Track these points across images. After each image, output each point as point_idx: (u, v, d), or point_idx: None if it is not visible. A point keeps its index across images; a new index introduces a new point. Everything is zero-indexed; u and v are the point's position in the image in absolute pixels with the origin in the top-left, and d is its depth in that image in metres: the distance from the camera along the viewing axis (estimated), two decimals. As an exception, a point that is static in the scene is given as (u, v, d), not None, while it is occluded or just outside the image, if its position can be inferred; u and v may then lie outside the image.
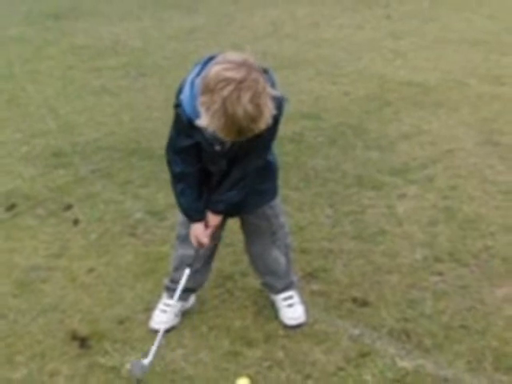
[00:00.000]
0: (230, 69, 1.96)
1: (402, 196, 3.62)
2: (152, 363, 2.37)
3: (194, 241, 2.48)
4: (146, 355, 2.38)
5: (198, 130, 2.17)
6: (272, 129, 2.18)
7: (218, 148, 2.25)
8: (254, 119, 1.98)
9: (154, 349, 2.38)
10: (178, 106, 2.23)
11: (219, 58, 2.04)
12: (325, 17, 7.35)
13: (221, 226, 2.61)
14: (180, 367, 2.46)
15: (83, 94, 5.36)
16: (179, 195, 2.43)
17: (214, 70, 1.98)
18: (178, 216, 2.67)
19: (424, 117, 4.63)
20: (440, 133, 4.37)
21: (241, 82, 1.94)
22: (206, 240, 2.46)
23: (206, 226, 2.45)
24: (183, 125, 2.24)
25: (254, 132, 2.03)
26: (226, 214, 2.50)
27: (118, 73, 5.80)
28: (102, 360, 2.50)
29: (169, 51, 6.23)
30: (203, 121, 2.02)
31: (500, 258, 3.03)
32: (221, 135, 2.05)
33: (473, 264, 3.00)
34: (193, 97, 2.14)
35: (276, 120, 2.15)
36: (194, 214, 2.45)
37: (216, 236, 2.62)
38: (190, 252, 2.59)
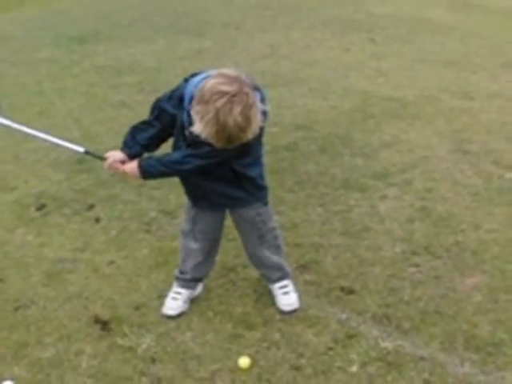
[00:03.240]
0: (224, 83, 1.95)
1: (384, 197, 3.62)
2: None
3: (107, 154, 2.42)
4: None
5: (183, 108, 2.16)
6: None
7: (187, 133, 2.22)
8: (242, 129, 1.97)
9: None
10: (185, 80, 2.23)
11: (214, 73, 2.03)
12: (316, 40, 7.35)
13: (220, 224, 2.60)
14: (189, 348, 2.46)
15: (104, 108, 5.37)
16: (134, 126, 2.39)
17: (210, 83, 1.97)
18: (182, 214, 2.67)
19: (403, 128, 4.63)
20: (417, 142, 4.37)
21: (233, 95, 1.93)
22: (105, 166, 2.43)
23: (123, 163, 2.38)
24: (176, 95, 2.24)
25: (242, 140, 2.02)
26: (145, 177, 2.37)
27: (134, 89, 5.80)
28: (120, 341, 2.51)
29: (179, 70, 6.22)
30: (197, 128, 2.01)
31: (470, 252, 3.03)
32: (212, 141, 2.03)
33: (445, 257, 3.01)
34: (197, 86, 2.11)
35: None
36: (125, 142, 2.39)
37: (217, 233, 2.63)
38: (192, 246, 2.59)
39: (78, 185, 3.94)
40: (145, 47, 7.34)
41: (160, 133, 2.38)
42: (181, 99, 2.22)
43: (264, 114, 2.10)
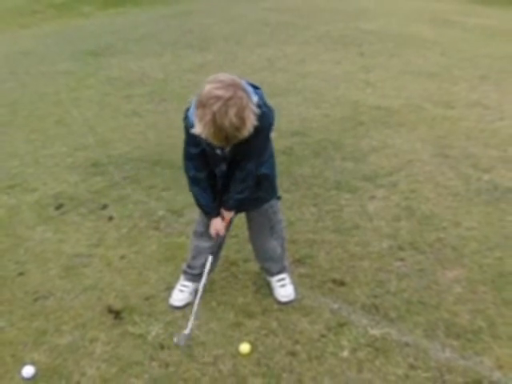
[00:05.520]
0: (219, 88, 1.95)
1: (372, 197, 3.62)
2: (191, 333, 2.37)
3: (213, 232, 2.45)
4: (183, 328, 2.40)
5: (200, 139, 2.14)
6: (260, 137, 2.15)
7: (218, 152, 2.22)
8: (238, 129, 1.97)
9: (191, 320, 2.37)
10: (184, 118, 2.23)
11: (211, 78, 2.01)
12: (310, 54, 7.35)
13: (229, 223, 2.60)
14: (194, 335, 2.46)
15: (117, 116, 5.36)
16: (197, 197, 2.41)
17: (207, 88, 1.97)
18: (195, 216, 2.66)
19: (389, 134, 4.63)
20: (402, 147, 4.37)
21: (228, 99, 1.92)
22: (223, 231, 2.45)
23: (222, 219, 2.43)
24: (189, 134, 2.21)
25: (238, 138, 2.01)
26: (236, 210, 2.46)
27: (144, 99, 5.79)
28: (132, 329, 2.51)
29: (185, 81, 6.22)
30: (197, 129, 2.01)
31: (450, 247, 3.04)
32: (211, 141, 2.03)
33: (428, 252, 3.01)
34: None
35: (261, 129, 2.11)
36: (211, 212, 2.43)
37: (228, 229, 2.62)
38: (205, 244, 2.58)
39: (93, 186, 3.94)
40: (153, 61, 7.34)
41: (208, 176, 2.38)
42: (194, 134, 2.18)
43: (263, 108, 2.10)
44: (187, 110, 2.22)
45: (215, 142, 2.05)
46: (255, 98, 2.08)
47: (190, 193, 2.45)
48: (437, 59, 6.94)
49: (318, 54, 7.31)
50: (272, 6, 10.61)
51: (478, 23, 8.90)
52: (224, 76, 2.01)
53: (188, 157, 2.36)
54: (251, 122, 2.01)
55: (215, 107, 1.92)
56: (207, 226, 2.55)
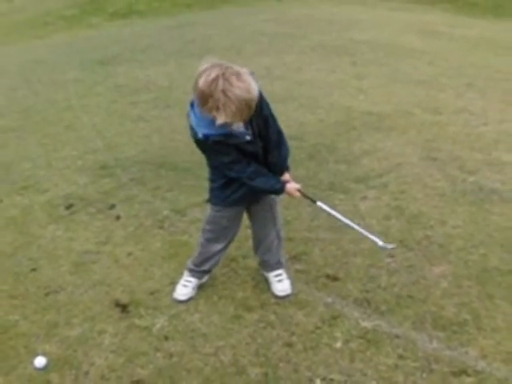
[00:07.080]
0: (209, 74, 1.96)
1: (364, 198, 3.63)
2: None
3: (296, 194, 2.39)
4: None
5: (227, 137, 2.11)
6: (264, 103, 2.19)
7: (248, 138, 2.20)
8: (248, 91, 1.96)
9: (366, 234, 2.50)
10: (203, 141, 2.14)
11: (197, 74, 2.01)
12: (306, 63, 7.35)
13: (239, 222, 2.58)
14: (197, 327, 2.47)
15: (123, 121, 5.37)
16: (264, 185, 2.31)
17: (200, 82, 1.97)
18: (205, 221, 2.61)
19: (380, 138, 4.64)
20: (392, 150, 4.38)
21: (222, 74, 1.93)
22: (299, 186, 2.41)
23: (287, 181, 2.40)
24: (213, 149, 2.18)
25: (255, 102, 2.00)
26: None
27: (149, 105, 5.80)
28: (138, 322, 2.52)
29: (188, 88, 6.20)
30: (220, 120, 1.97)
31: (437, 245, 3.04)
32: (239, 120, 2.01)
33: (417, 249, 3.01)
34: (199, 118, 2.10)
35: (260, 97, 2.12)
36: (282, 185, 2.36)
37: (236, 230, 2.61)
38: (219, 247, 2.57)
39: (101, 187, 3.94)
40: (158, 69, 7.34)
41: (256, 162, 2.30)
42: (222, 139, 2.14)
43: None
44: (195, 135, 2.16)
45: (243, 118, 2.02)
46: None
47: (254, 186, 2.31)
48: (425, 68, 6.94)
49: (314, 63, 7.32)
50: (270, 17, 10.62)
51: (464, 34, 8.91)
52: (204, 65, 2.01)
53: (230, 166, 2.25)
54: (252, 82, 2.00)
55: (220, 86, 1.92)
56: (221, 232, 2.55)
